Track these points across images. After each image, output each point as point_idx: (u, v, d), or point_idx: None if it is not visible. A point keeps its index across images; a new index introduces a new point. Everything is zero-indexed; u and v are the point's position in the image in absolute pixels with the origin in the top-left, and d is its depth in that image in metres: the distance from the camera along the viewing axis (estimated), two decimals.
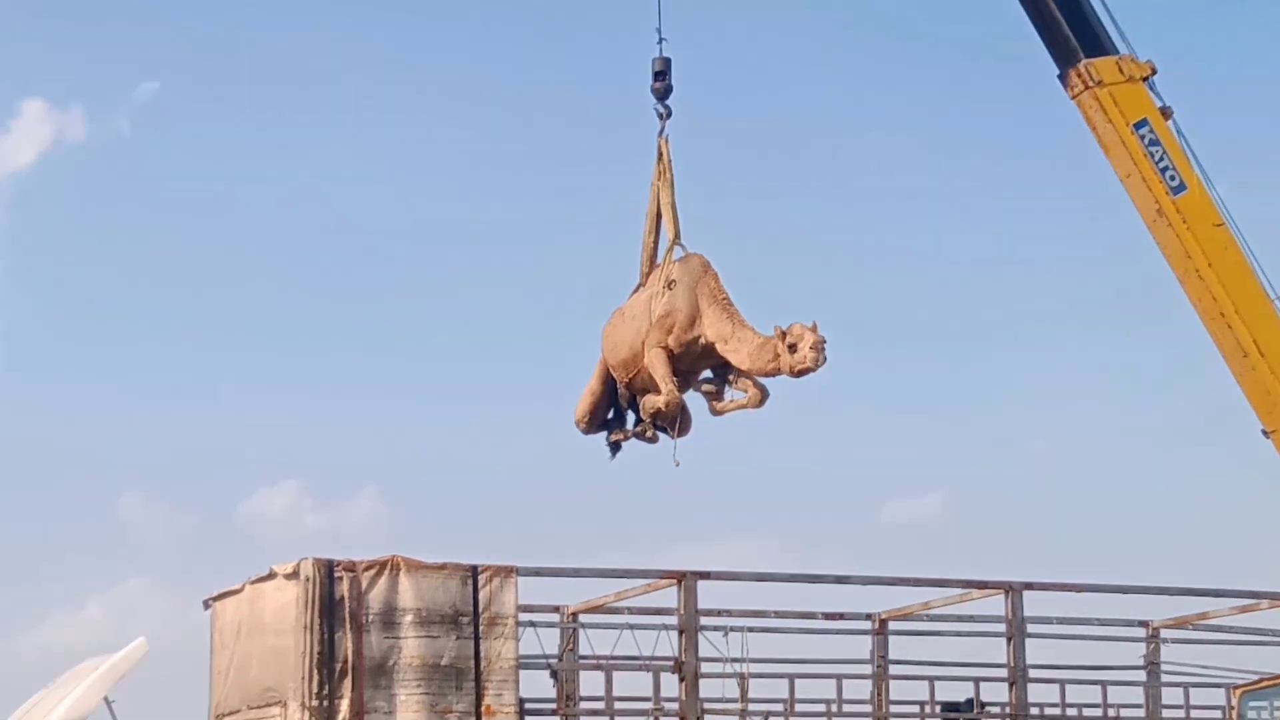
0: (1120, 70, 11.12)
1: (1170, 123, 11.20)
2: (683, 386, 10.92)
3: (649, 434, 11.41)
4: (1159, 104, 11.14)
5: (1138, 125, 11.03)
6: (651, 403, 10.85)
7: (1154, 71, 11.07)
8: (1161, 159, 10.95)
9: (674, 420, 11.01)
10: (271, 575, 12.01)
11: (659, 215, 11.27)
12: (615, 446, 11.96)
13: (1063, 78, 11.19)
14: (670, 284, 10.72)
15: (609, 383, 11.59)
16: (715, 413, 11.06)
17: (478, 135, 42.44)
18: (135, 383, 42.08)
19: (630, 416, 11.86)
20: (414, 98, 43.26)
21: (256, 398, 41.94)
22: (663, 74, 11.11)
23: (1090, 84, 11.13)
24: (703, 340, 10.44)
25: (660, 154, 11.12)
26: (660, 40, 11.09)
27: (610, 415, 12.09)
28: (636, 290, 11.49)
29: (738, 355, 10.28)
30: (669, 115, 11.10)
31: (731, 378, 10.96)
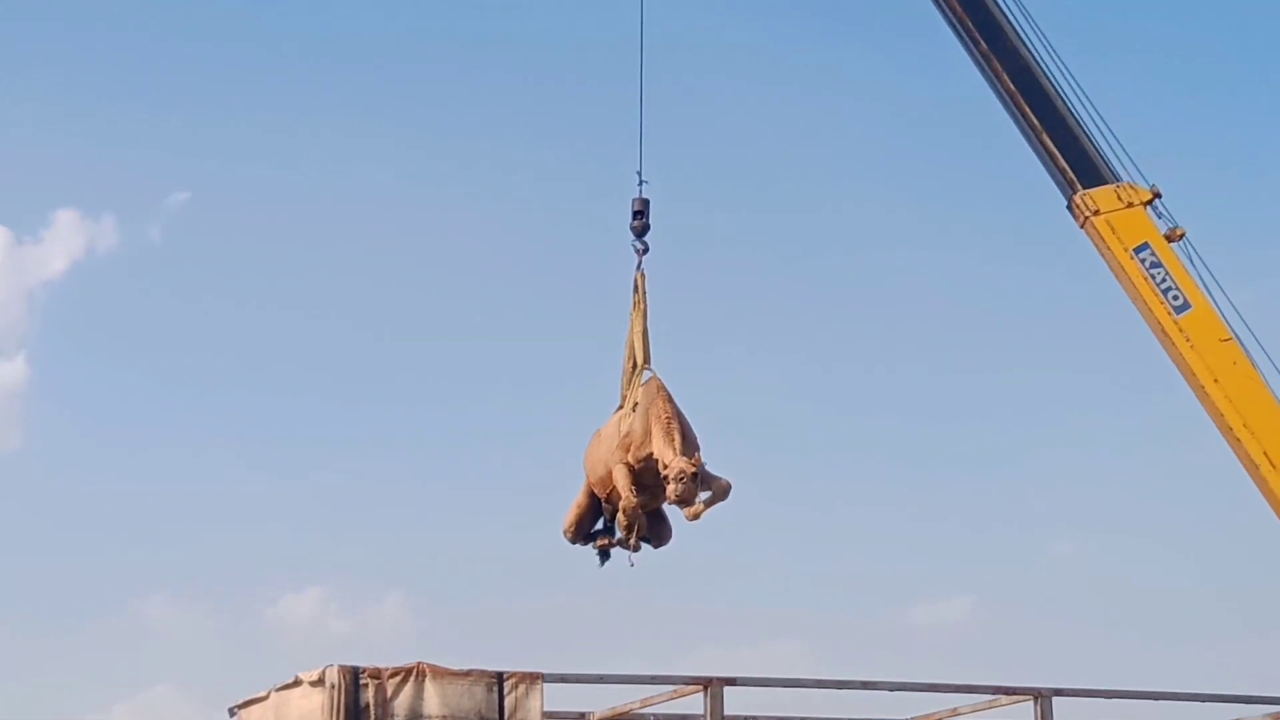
0: (1119, 198, 11.35)
1: (1181, 242, 11.27)
2: (655, 499, 11.06)
3: (631, 543, 11.46)
4: (1165, 227, 11.25)
5: (1138, 250, 11.24)
6: (620, 509, 11.05)
7: (1157, 195, 11.23)
8: (1164, 280, 11.05)
9: (641, 527, 11.18)
10: (297, 682, 11.73)
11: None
12: (603, 553, 12.05)
13: (1069, 207, 11.37)
14: (634, 406, 11.02)
15: (593, 497, 11.76)
16: (690, 518, 10.98)
17: (495, 237, 40.90)
18: (162, 487, 40.36)
19: (616, 528, 11.97)
20: (430, 200, 41.88)
21: (280, 503, 40.68)
22: (641, 213, 11.45)
23: (1089, 213, 11.31)
24: (654, 457, 10.64)
25: (636, 287, 11.44)
26: (641, 183, 11.45)
27: (599, 526, 12.15)
28: (616, 410, 11.69)
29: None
30: (646, 251, 11.44)
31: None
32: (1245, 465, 10.61)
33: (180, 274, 41.39)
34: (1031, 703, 12.71)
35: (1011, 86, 11.73)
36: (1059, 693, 12.84)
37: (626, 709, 12.70)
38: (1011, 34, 11.85)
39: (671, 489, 10.09)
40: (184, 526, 40.77)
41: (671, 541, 11.72)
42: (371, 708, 11.12)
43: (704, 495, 10.60)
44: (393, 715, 11.16)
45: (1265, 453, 10.63)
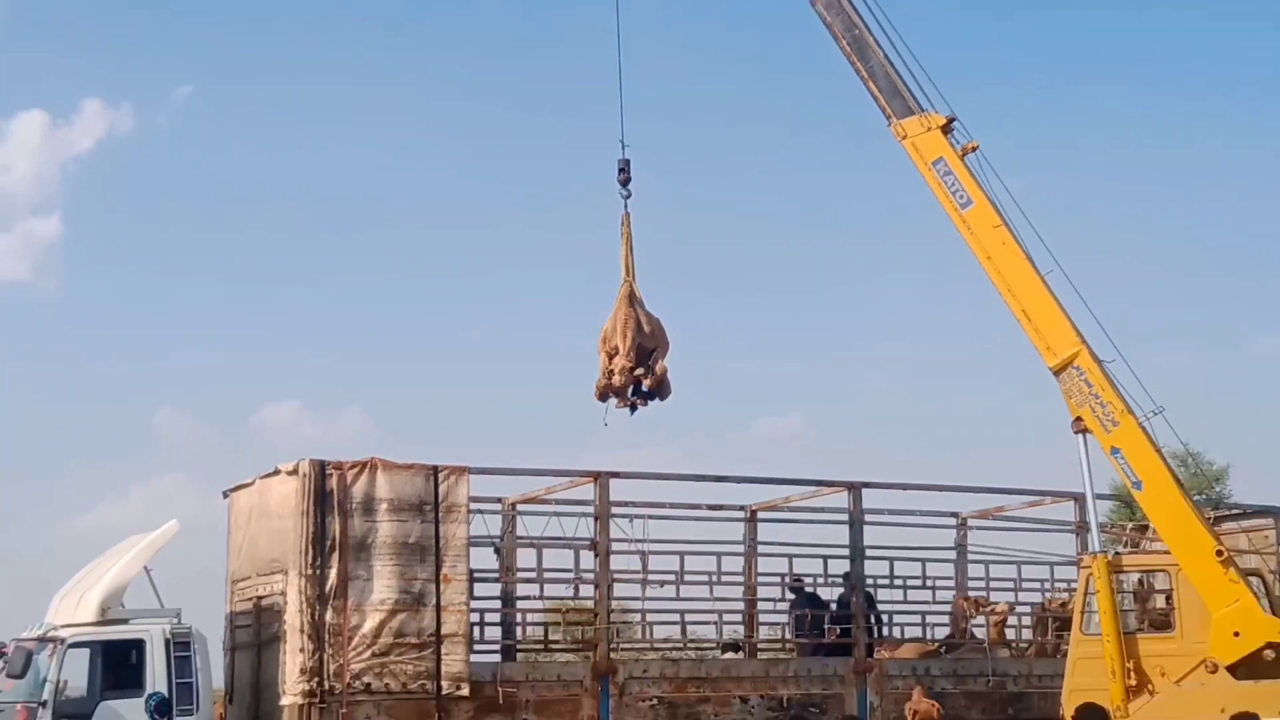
0: (921, 125, 13.27)
1: (974, 158, 13.19)
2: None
3: (641, 401, 13.67)
4: (962, 143, 13.23)
5: (935, 163, 13.20)
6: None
7: (952, 119, 13.24)
8: (953, 185, 13.11)
9: (623, 393, 13.43)
10: (277, 472, 13.74)
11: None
12: (632, 408, 13.96)
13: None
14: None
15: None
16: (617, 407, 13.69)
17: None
18: (168, 319, 48.26)
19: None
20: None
21: (263, 332, 48.48)
22: (624, 170, 13.90)
23: (900, 137, 13.37)
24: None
25: (623, 222, 13.97)
26: (623, 147, 13.78)
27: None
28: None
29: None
30: (629, 196, 13.94)
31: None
32: (1015, 316, 13.10)
33: (183, 153, 48.57)
34: (846, 492, 15.56)
35: (846, 48, 13.64)
36: (866, 485, 15.75)
37: (534, 495, 15.00)
38: (847, 6, 13.62)
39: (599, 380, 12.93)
40: (186, 351, 48.52)
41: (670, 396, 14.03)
42: (335, 493, 13.11)
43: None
44: (351, 499, 13.18)
45: (1024, 310, 12.99)
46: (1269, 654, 11.85)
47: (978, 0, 51.25)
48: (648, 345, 13.34)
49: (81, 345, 50.18)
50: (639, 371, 13.17)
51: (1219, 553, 12.19)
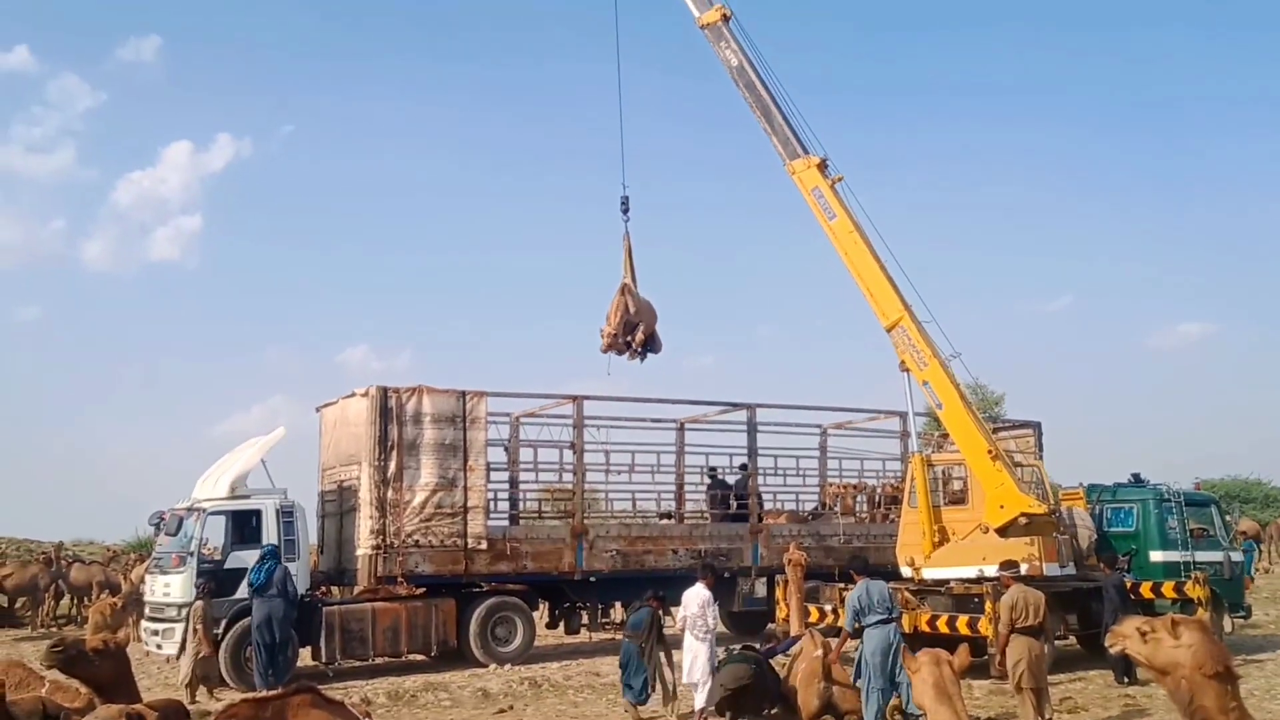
0: (805, 164, 14.46)
1: (841, 185, 14.47)
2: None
3: (626, 357, 15.27)
4: (831, 176, 14.40)
5: (813, 189, 14.50)
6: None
7: (825, 160, 14.43)
8: (825, 205, 14.43)
9: (631, 349, 15.12)
10: (353, 395, 15.82)
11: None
12: (642, 358, 15.43)
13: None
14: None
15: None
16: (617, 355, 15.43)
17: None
18: (282, 284, 59.03)
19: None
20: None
21: (348, 293, 60.74)
22: (624, 204, 15.42)
23: (791, 173, 14.56)
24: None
25: (625, 238, 15.65)
26: (624, 189, 15.54)
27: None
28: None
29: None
30: (628, 221, 15.62)
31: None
32: (863, 294, 14.56)
33: (286, 171, 60.95)
34: (745, 410, 18.06)
35: (758, 114, 14.82)
36: (759, 405, 18.21)
37: (533, 410, 17.15)
38: (761, 88, 14.66)
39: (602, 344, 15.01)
40: (290, 309, 60.31)
41: (659, 352, 15.47)
42: (394, 409, 15.16)
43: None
44: (405, 413, 15.18)
45: (868, 289, 14.37)
46: (1022, 520, 13.16)
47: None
48: (633, 321, 15.03)
49: (215, 305, 63.58)
50: (626, 339, 15.00)
51: (990, 451, 13.48)
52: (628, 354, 15.23)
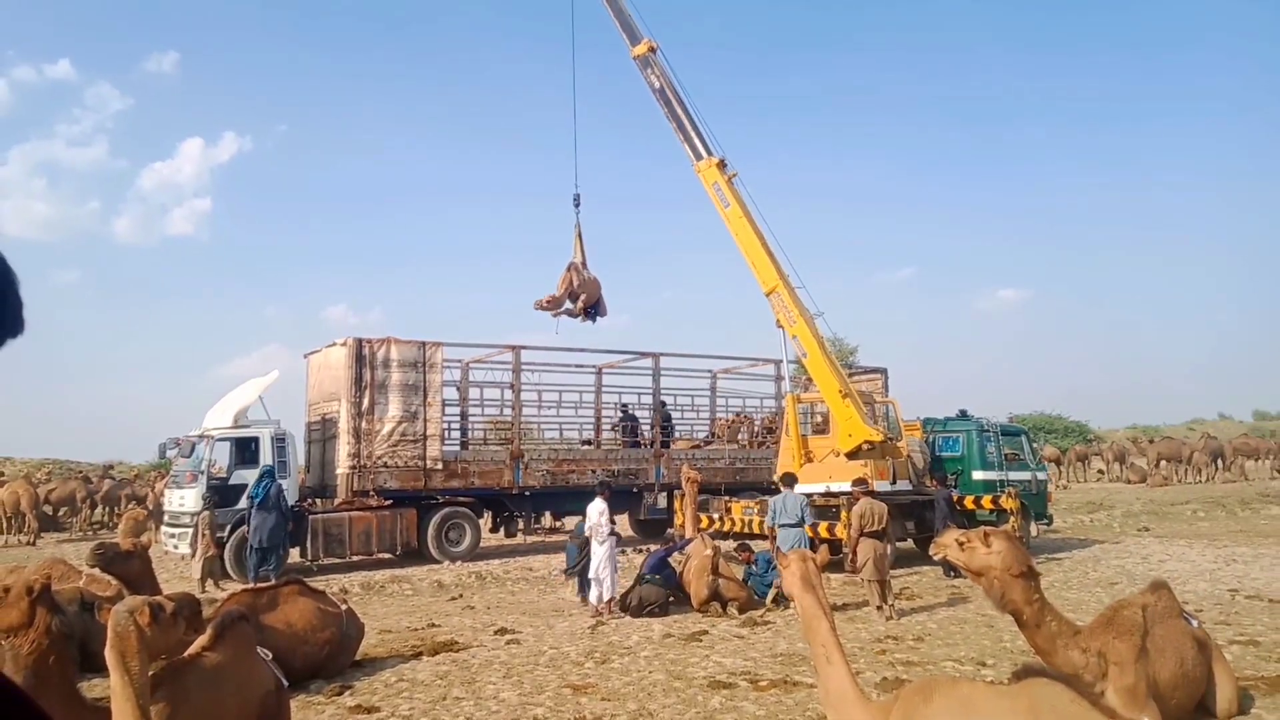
0: (708, 163, 15.27)
1: (736, 180, 15.16)
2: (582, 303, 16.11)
3: (584, 318, 16.16)
4: (728, 173, 15.22)
5: (714, 184, 15.31)
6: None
7: (724, 160, 15.25)
8: (722, 196, 15.20)
9: (577, 312, 16.01)
10: (334, 344, 16.76)
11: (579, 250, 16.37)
12: (592, 320, 16.29)
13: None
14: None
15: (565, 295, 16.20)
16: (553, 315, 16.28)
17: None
18: (279, 257, 59.23)
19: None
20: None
21: (330, 262, 59.52)
22: (576, 199, 16.44)
23: (696, 171, 15.45)
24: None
25: (576, 226, 16.53)
26: (576, 187, 16.21)
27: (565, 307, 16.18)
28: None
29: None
30: (579, 211, 16.44)
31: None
32: (748, 266, 15.41)
33: (282, 163, 63.08)
34: (651, 359, 19.40)
35: (671, 120, 15.66)
36: (663, 354, 19.58)
37: (480, 357, 18.24)
38: (676, 104, 15.32)
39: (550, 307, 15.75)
40: (285, 275, 62.87)
41: (605, 316, 16.32)
42: (368, 356, 16.28)
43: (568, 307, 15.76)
44: (376, 359, 16.27)
45: (751, 263, 15.03)
46: (866, 446, 14.10)
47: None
48: (576, 292, 16.03)
49: (222, 273, 71.25)
50: (569, 305, 16.05)
51: (841, 391, 14.43)
52: (580, 317, 16.18)
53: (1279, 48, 73.62)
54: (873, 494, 12.00)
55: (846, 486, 12.82)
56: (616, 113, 73.79)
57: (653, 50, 16.03)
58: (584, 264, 16.38)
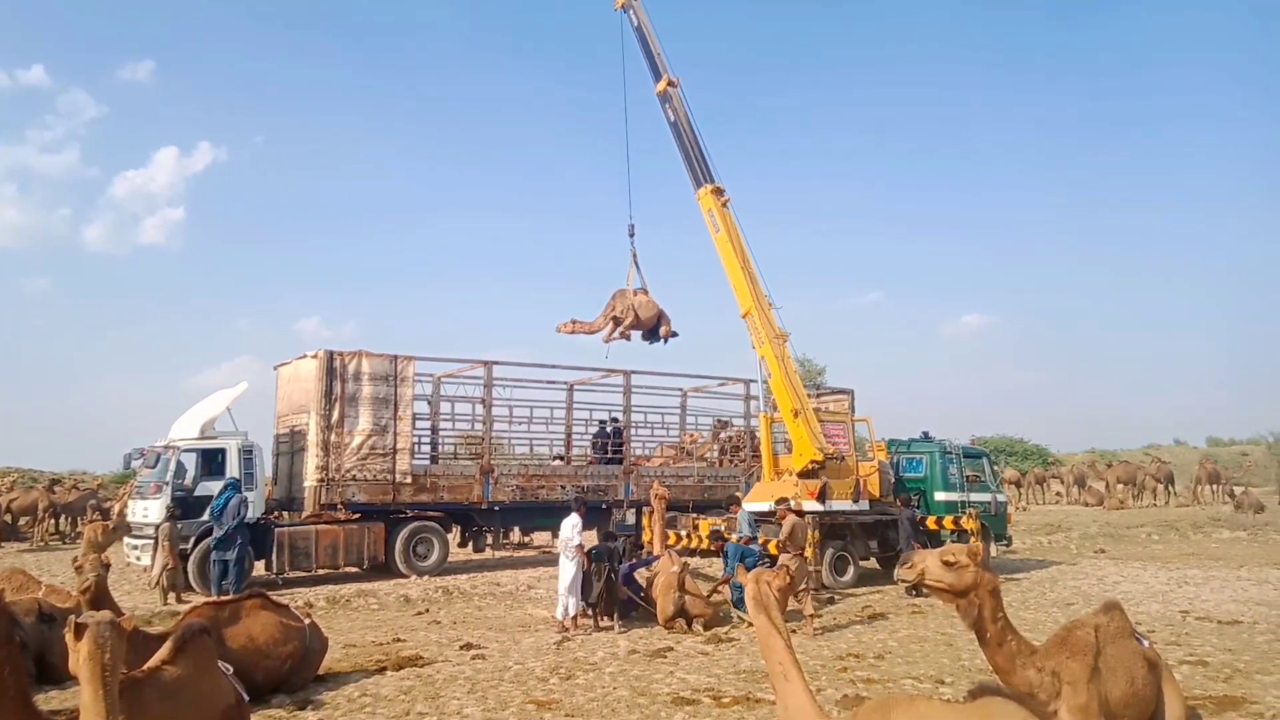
0: (706, 190, 15.58)
1: (729, 206, 15.46)
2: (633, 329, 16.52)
3: (613, 339, 16.48)
4: (723, 199, 15.53)
5: (709, 211, 15.54)
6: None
7: (721, 188, 15.60)
8: (715, 223, 15.48)
9: (623, 335, 16.42)
10: (305, 357, 16.64)
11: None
12: (649, 338, 16.65)
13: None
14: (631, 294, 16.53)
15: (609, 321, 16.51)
16: (603, 340, 16.70)
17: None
18: (250, 268, 57.60)
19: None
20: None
21: (304, 277, 60.23)
22: (631, 229, 16.89)
23: (697, 197, 15.76)
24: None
25: (632, 255, 16.88)
26: (630, 219, 16.69)
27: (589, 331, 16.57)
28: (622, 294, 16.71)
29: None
30: (633, 240, 16.83)
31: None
32: (731, 288, 15.62)
33: (256, 175, 60.43)
34: (623, 375, 19.44)
35: (680, 148, 16.01)
36: (635, 372, 19.67)
37: (453, 372, 18.16)
38: (688, 136, 15.67)
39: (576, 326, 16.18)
40: (256, 288, 58.47)
41: (677, 337, 16.74)
42: (338, 369, 16.15)
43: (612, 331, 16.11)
44: (348, 372, 16.13)
45: (733, 285, 15.30)
46: (812, 466, 14.45)
47: None
48: (620, 317, 16.34)
49: (193, 281, 69.75)
50: (606, 330, 16.39)
51: (794, 411, 14.67)
52: (643, 338, 16.56)
53: (1247, 67, 75.89)
54: (799, 513, 12.37)
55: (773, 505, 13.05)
56: (594, 131, 76.54)
57: (672, 85, 16.34)
58: (644, 289, 16.59)
